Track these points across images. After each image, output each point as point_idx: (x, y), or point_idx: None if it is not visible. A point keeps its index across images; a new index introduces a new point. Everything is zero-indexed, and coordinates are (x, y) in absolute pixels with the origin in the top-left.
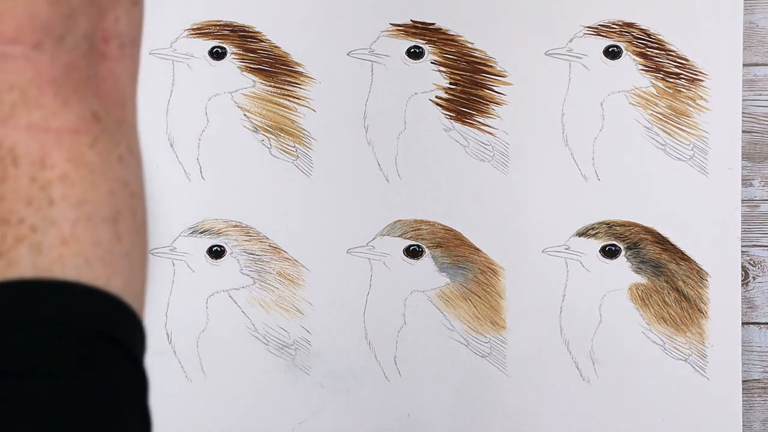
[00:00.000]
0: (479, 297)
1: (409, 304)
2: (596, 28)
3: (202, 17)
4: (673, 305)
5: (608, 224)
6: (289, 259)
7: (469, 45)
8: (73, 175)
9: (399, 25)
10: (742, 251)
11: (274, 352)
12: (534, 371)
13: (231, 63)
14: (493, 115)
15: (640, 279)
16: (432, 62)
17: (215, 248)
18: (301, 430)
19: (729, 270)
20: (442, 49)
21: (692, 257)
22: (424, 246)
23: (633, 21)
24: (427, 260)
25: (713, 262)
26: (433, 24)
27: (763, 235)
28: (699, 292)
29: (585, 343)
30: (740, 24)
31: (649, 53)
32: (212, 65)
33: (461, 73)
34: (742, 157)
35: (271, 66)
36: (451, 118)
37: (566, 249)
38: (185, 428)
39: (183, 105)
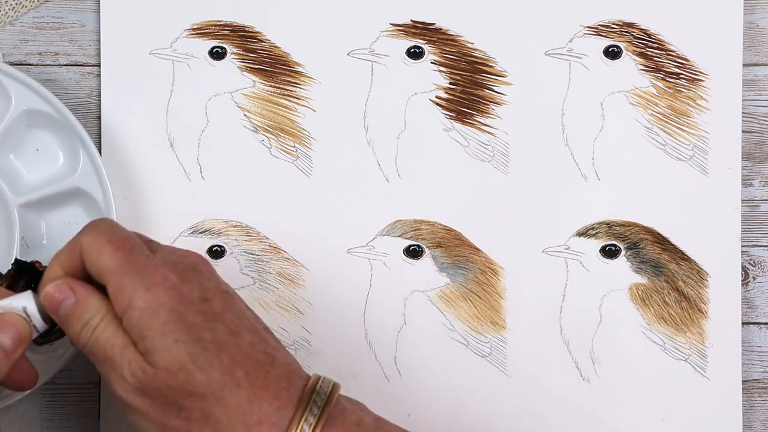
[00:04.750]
0: (479, 297)
1: (409, 304)
2: (596, 28)
3: (202, 17)
4: (673, 305)
5: (608, 224)
6: (289, 259)
7: (469, 45)
8: None
9: (399, 25)
10: (742, 251)
11: None
12: (534, 371)
13: (231, 63)
14: (493, 115)
15: (640, 279)
16: (432, 62)
17: (215, 248)
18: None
19: (729, 270)
20: (442, 49)
21: (692, 257)
22: (424, 246)
23: (633, 21)
24: (427, 260)
25: (713, 262)
26: (433, 24)
27: (763, 235)
28: (699, 292)
29: (585, 343)
30: (740, 24)
31: (649, 53)
32: (212, 65)
33: (461, 73)
34: (742, 157)
35: (271, 66)
36: (451, 118)
37: (566, 249)
38: None
39: (183, 105)
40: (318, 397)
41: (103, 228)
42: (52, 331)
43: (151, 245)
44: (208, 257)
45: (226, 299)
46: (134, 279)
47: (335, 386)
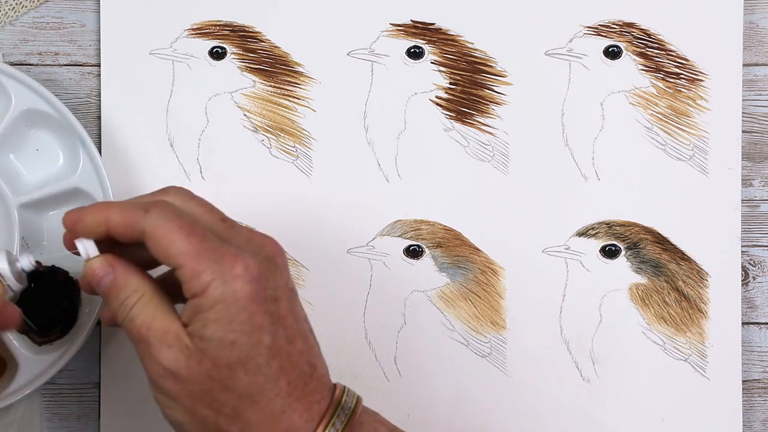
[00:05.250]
0: (479, 297)
1: (409, 304)
2: (596, 28)
3: (202, 17)
4: (673, 305)
5: (608, 224)
6: (289, 259)
7: (469, 45)
8: None
9: (399, 25)
10: (742, 251)
11: None
12: (534, 371)
13: (231, 63)
14: (493, 115)
15: (640, 279)
16: (432, 62)
17: None
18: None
19: (729, 270)
20: (442, 49)
21: (692, 257)
22: (424, 246)
23: (633, 21)
24: (427, 260)
25: (713, 262)
26: (433, 24)
27: (763, 235)
28: (699, 292)
29: (585, 343)
30: (740, 24)
31: (649, 53)
32: (212, 65)
33: (461, 73)
34: (742, 157)
35: (271, 66)
36: (451, 118)
37: (566, 249)
38: None
39: (183, 105)
40: (342, 412)
41: (169, 213)
42: (52, 330)
43: (225, 225)
44: None
45: (291, 299)
46: (212, 267)
47: (359, 400)
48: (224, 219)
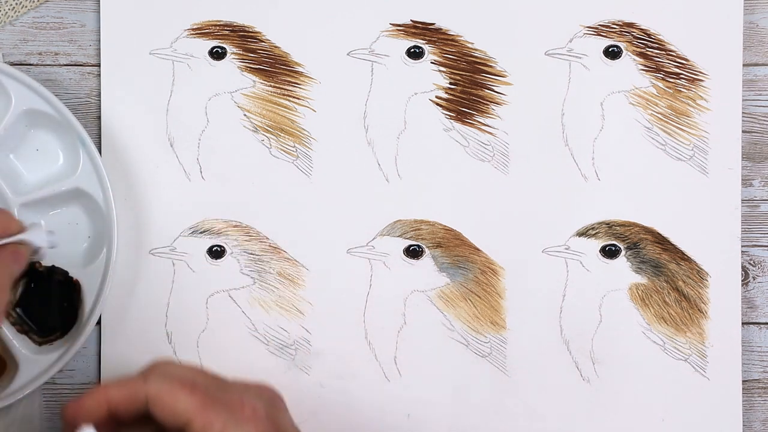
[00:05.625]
0: (479, 297)
1: (409, 304)
2: (596, 28)
3: (202, 17)
4: (673, 305)
5: (608, 224)
6: (289, 259)
7: (469, 45)
8: None
9: (399, 25)
10: (742, 251)
11: (274, 352)
12: (534, 371)
13: (231, 63)
14: (493, 115)
15: (640, 279)
16: (432, 62)
17: (215, 248)
18: (301, 430)
19: (729, 270)
20: (442, 49)
21: (692, 257)
22: (424, 246)
23: (633, 21)
24: (427, 260)
25: (713, 262)
26: (433, 24)
27: (763, 235)
28: (699, 292)
29: (585, 343)
30: (740, 24)
31: (649, 53)
32: (212, 65)
33: (461, 73)
34: (742, 157)
35: (271, 66)
36: (451, 118)
37: (566, 249)
38: None
39: (183, 105)
40: None
41: (168, 375)
42: (52, 330)
43: (220, 381)
44: (208, 257)
45: None
46: (222, 415)
47: None
48: (216, 377)
